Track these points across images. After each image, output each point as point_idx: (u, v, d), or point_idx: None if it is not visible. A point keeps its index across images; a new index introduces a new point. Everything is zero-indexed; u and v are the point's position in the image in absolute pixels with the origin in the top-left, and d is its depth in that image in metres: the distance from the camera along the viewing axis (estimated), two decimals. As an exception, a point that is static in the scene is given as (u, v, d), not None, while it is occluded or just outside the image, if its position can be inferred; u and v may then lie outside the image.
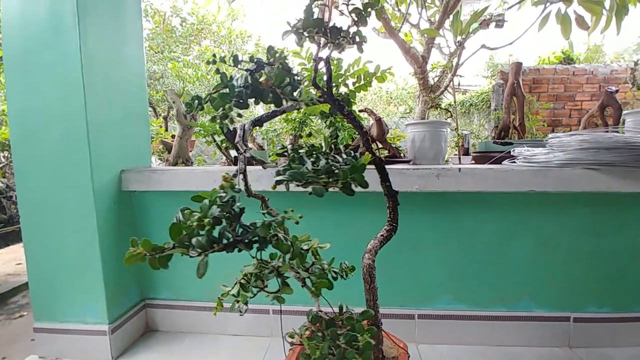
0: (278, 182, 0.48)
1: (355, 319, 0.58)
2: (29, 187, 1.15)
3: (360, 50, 0.66)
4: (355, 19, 0.63)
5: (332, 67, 1.69)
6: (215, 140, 1.72)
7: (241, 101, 0.60)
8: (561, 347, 1.21)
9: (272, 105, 0.63)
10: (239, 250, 0.43)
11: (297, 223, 0.49)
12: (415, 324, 1.25)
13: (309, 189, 0.48)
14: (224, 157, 1.79)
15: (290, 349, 0.80)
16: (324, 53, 0.67)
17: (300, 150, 0.64)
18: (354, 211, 1.24)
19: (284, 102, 0.63)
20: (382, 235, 0.79)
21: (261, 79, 0.62)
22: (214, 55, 0.68)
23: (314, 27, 0.61)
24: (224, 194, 0.44)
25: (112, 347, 1.18)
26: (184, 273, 1.35)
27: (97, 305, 1.18)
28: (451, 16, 2.64)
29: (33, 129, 1.13)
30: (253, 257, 0.52)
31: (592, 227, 1.18)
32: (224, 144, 1.72)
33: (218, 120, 0.59)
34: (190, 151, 1.93)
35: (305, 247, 0.56)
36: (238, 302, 0.50)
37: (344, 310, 0.65)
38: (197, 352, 1.24)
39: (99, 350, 1.18)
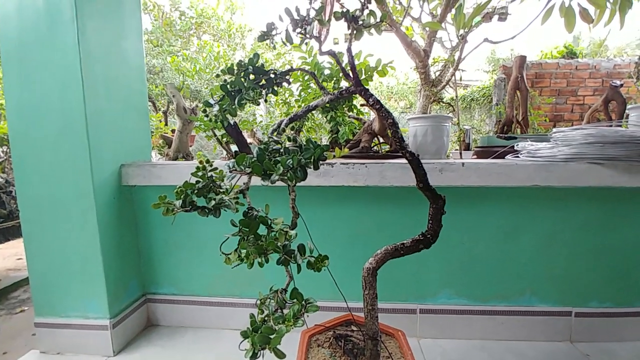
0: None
1: (297, 307, 0.57)
2: (28, 181, 1.14)
3: (379, 31, 0.64)
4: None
5: (331, 63, 1.68)
6: (215, 135, 1.71)
7: (221, 107, 0.73)
8: (563, 342, 1.21)
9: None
10: (200, 214, 0.56)
11: (237, 199, 0.58)
12: (417, 318, 1.25)
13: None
14: (224, 152, 1.77)
15: (302, 333, 0.84)
16: (329, 44, 0.66)
17: (288, 143, 0.66)
18: (366, 206, 1.23)
19: (246, 102, 0.73)
20: (402, 243, 0.70)
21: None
22: (222, 71, 0.78)
23: (293, 26, 0.64)
24: (202, 176, 0.58)
25: (114, 342, 1.18)
26: (185, 268, 1.35)
27: (98, 300, 1.18)
28: (454, 9, 2.60)
29: (31, 122, 1.11)
30: (235, 226, 0.58)
31: (596, 222, 1.18)
32: (225, 139, 1.71)
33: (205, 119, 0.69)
34: (191, 146, 1.92)
35: (274, 228, 0.58)
36: (239, 255, 0.57)
37: (296, 296, 0.63)
38: (198, 346, 1.24)
39: (100, 345, 1.18)
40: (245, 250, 0.55)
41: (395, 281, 1.25)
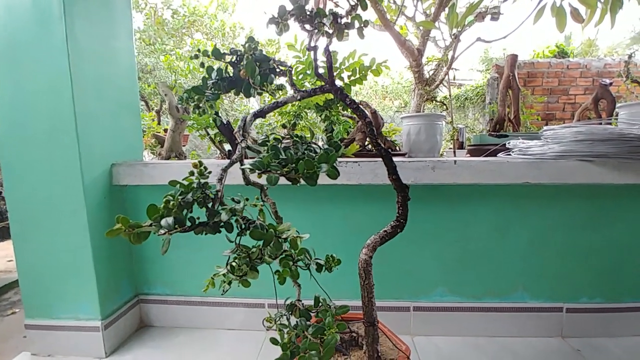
0: (242, 170, 0.50)
1: (329, 313, 0.58)
2: (17, 182, 1.12)
3: (361, 35, 0.64)
4: (355, 2, 0.62)
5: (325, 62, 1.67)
6: (208, 134, 1.70)
7: (214, 93, 0.64)
8: (554, 337, 1.23)
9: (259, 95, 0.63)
10: (205, 233, 0.46)
11: (259, 209, 0.51)
12: (411, 316, 1.26)
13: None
14: (218, 151, 1.76)
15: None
16: (322, 42, 0.65)
17: (286, 140, 0.63)
18: (359, 204, 1.23)
19: (254, 91, 0.65)
20: (385, 231, 0.76)
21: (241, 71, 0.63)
22: (198, 50, 0.69)
23: (296, 14, 0.60)
24: (196, 181, 0.49)
25: (106, 343, 1.17)
26: (178, 268, 1.34)
27: (89, 301, 1.16)
28: (447, 9, 2.62)
29: (20, 123, 1.10)
30: (231, 242, 0.52)
31: (586, 219, 1.19)
32: (218, 138, 1.70)
33: (196, 111, 0.62)
34: (184, 145, 1.90)
35: (283, 236, 0.54)
36: (224, 282, 0.51)
37: (320, 302, 0.65)
38: (192, 347, 1.23)
39: (92, 346, 1.16)
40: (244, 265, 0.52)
41: (389, 279, 1.25)
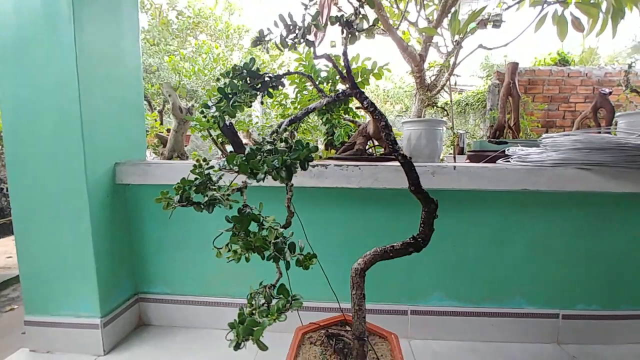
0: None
1: (281, 302, 0.58)
2: (21, 178, 1.14)
3: (372, 35, 0.66)
4: (362, 1, 0.64)
5: (329, 66, 1.69)
6: (211, 135, 1.71)
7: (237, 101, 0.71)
8: (550, 344, 1.24)
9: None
10: (201, 210, 0.56)
11: (240, 192, 0.59)
12: (408, 319, 1.27)
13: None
14: (220, 152, 1.78)
15: (296, 330, 0.87)
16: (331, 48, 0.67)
17: (281, 144, 0.66)
18: (360, 207, 1.25)
19: (233, 103, 0.74)
20: (392, 246, 0.70)
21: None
22: (221, 74, 0.79)
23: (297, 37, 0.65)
24: (199, 174, 0.59)
25: (104, 341, 1.18)
26: (178, 267, 1.35)
27: (89, 299, 1.17)
28: (449, 15, 2.64)
29: (26, 120, 1.11)
30: (229, 222, 0.59)
31: (584, 226, 1.20)
32: (220, 139, 1.71)
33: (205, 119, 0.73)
34: (186, 145, 1.92)
35: (264, 224, 0.59)
36: (229, 250, 0.58)
37: (285, 291, 0.64)
38: (190, 346, 1.24)
39: (91, 343, 1.17)
40: (236, 245, 0.57)
41: (387, 283, 1.26)
